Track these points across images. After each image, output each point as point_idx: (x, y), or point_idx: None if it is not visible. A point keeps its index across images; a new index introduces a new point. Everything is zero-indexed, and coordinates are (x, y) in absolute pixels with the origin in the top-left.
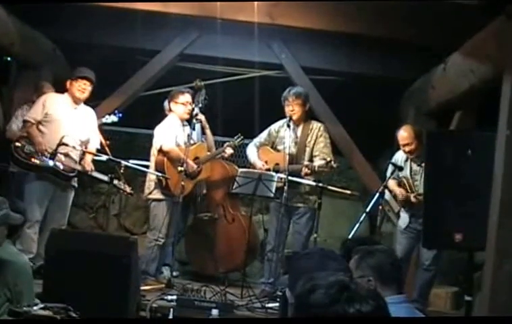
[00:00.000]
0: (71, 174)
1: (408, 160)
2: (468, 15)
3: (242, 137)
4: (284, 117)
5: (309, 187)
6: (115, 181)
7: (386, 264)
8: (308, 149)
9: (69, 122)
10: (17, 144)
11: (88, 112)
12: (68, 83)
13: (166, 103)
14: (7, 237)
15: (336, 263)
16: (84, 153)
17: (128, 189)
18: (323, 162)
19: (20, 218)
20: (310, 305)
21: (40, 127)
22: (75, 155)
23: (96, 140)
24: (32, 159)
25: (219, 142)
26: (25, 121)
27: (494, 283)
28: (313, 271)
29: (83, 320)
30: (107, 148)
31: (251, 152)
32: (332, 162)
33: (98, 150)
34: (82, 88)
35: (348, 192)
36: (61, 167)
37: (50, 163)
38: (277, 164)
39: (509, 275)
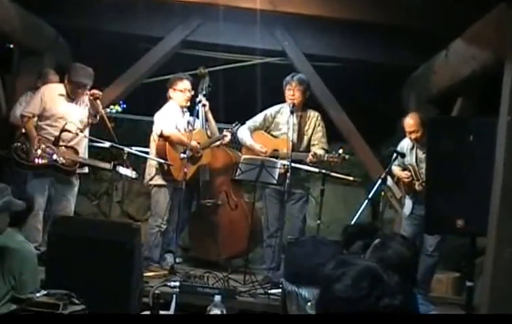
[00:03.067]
0: (73, 168)
1: (414, 148)
2: (470, 1)
3: (239, 125)
4: (285, 102)
5: (304, 173)
6: (120, 168)
7: (392, 264)
8: (306, 137)
9: (68, 113)
10: (16, 144)
11: (86, 101)
12: (65, 78)
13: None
14: (13, 226)
15: (329, 249)
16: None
17: (133, 174)
18: (334, 153)
19: (22, 205)
20: (338, 295)
21: (39, 122)
22: (77, 145)
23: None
24: (32, 159)
25: (222, 129)
26: (22, 116)
27: (495, 269)
28: (306, 258)
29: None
30: (112, 132)
31: (245, 134)
32: (345, 155)
33: (102, 137)
34: (77, 91)
35: (351, 178)
36: (63, 161)
37: (54, 156)
38: (275, 150)
39: (510, 261)
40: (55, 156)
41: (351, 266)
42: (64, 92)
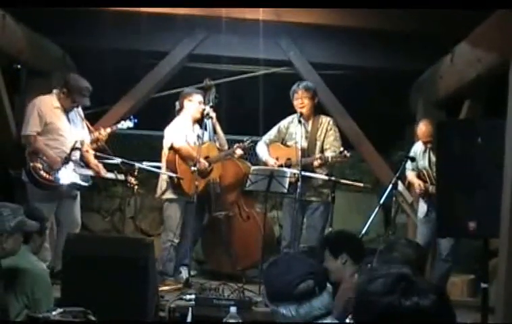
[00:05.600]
0: (88, 184)
1: (427, 151)
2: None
3: (251, 139)
4: (293, 113)
5: (321, 180)
6: (119, 176)
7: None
8: (318, 143)
9: (66, 126)
10: (35, 164)
11: (79, 112)
12: (58, 91)
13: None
14: (24, 243)
15: (302, 264)
16: (96, 157)
17: (133, 180)
18: (336, 153)
19: (36, 225)
20: (368, 294)
21: (40, 137)
22: (78, 158)
23: (87, 136)
24: (51, 179)
25: (230, 140)
26: (28, 137)
27: (508, 270)
28: (279, 277)
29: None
30: (106, 148)
31: (262, 150)
32: (346, 151)
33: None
34: (72, 106)
35: (361, 184)
36: (79, 179)
37: (72, 177)
38: (288, 159)
39: None
40: (73, 177)
41: (381, 271)
42: (58, 104)
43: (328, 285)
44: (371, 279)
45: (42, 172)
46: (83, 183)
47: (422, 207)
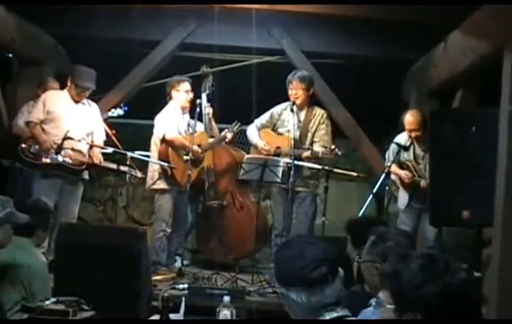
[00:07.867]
0: (80, 168)
1: (412, 144)
2: None
3: (239, 123)
4: (287, 101)
5: (309, 171)
6: (124, 168)
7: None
8: (309, 134)
9: (71, 118)
10: (23, 145)
11: (91, 105)
12: (69, 82)
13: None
14: (27, 237)
15: (316, 248)
16: (91, 147)
17: (139, 174)
18: (327, 149)
19: (25, 217)
20: (404, 285)
21: (44, 126)
22: (83, 148)
23: (101, 133)
24: (39, 158)
25: (222, 129)
26: (28, 123)
27: (502, 259)
28: (291, 262)
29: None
30: (114, 139)
31: (252, 133)
32: (337, 149)
33: (105, 143)
34: (82, 94)
35: (354, 173)
36: (70, 161)
37: (59, 158)
38: (278, 147)
39: None
40: (60, 158)
41: (411, 257)
42: (67, 96)
43: (340, 270)
44: (402, 269)
45: (27, 152)
46: (73, 167)
47: (403, 198)
